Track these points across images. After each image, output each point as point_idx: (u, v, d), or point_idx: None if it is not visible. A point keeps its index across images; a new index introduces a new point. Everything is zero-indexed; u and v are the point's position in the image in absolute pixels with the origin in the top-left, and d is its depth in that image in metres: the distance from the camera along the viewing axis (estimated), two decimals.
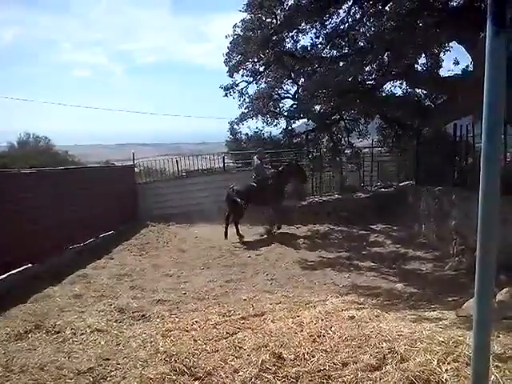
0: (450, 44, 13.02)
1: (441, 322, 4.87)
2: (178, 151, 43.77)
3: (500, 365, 3.39)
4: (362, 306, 5.89)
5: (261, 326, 5.24)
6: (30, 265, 8.56)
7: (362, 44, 11.50)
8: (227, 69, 15.06)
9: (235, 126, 18.02)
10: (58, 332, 5.40)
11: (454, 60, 13.74)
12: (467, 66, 12.64)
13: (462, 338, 3.90)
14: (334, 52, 12.54)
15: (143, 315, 6.06)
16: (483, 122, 1.36)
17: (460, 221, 8.43)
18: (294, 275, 8.55)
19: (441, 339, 3.93)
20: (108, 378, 4.10)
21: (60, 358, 4.54)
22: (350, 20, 11.54)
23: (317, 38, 12.69)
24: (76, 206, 10.52)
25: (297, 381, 3.71)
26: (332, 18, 12.00)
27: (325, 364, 3.87)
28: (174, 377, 3.91)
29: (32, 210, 8.66)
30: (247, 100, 16.68)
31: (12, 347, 4.94)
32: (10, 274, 7.99)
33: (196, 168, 17.84)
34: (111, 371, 4.23)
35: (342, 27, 11.75)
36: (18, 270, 8.25)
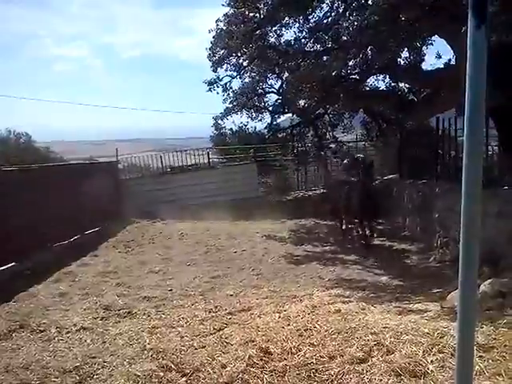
0: (433, 38, 13.09)
1: (426, 314, 4.92)
2: (159, 147, 43.47)
3: (484, 355, 3.46)
4: (348, 299, 5.93)
5: (248, 321, 5.26)
6: (13, 263, 8.45)
7: (345, 38, 11.50)
8: (211, 63, 14.95)
9: (219, 121, 17.99)
10: (43, 331, 5.35)
11: (437, 54, 13.81)
12: (450, 60, 12.74)
13: (446, 329, 3.96)
14: (318, 46, 12.53)
15: (129, 312, 6.02)
16: (465, 115, 1.36)
17: (443, 213, 8.50)
18: (280, 270, 8.55)
19: (426, 331, 3.98)
20: (94, 376, 4.08)
21: (45, 357, 4.51)
22: (333, 14, 11.53)
23: (300, 32, 12.69)
24: (60, 203, 10.39)
25: (284, 375, 3.72)
26: (315, 12, 12.01)
27: (312, 357, 3.89)
28: (162, 373, 3.90)
29: (15, 207, 8.54)
30: (231, 95, 16.63)
31: None
32: None
33: (180, 164, 17.74)
34: (98, 369, 4.21)
35: (325, 21, 11.74)
36: (1, 268, 8.15)
